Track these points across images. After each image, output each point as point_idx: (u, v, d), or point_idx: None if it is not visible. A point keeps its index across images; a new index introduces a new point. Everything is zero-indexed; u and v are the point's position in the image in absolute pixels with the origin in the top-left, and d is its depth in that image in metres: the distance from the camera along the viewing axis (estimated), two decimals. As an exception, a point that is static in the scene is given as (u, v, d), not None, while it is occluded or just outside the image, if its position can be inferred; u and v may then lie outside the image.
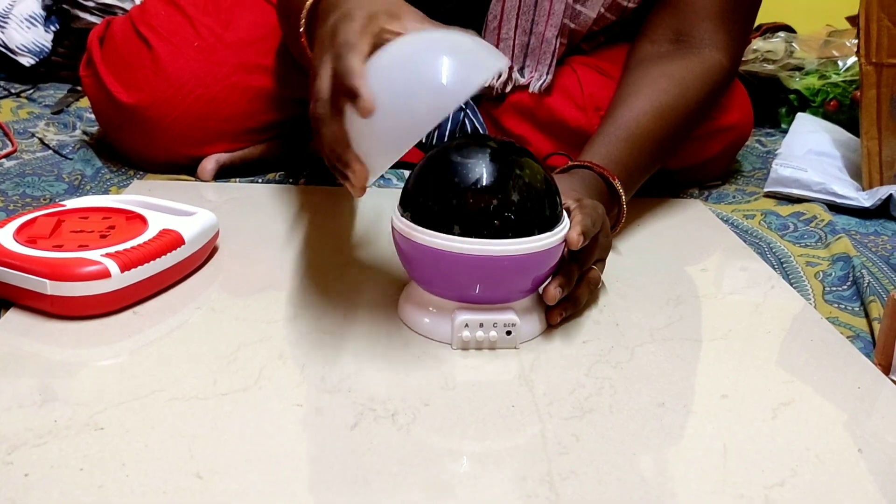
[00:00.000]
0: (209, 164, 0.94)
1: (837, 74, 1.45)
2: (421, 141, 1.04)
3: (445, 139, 0.94)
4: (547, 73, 0.95)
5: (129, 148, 0.96)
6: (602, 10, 0.92)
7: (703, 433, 0.50)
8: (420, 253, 0.56)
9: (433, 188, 0.56)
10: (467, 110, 1.03)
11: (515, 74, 0.96)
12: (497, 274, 0.55)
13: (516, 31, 0.93)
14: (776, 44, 1.59)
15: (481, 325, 0.57)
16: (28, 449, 0.44)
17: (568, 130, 0.97)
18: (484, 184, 0.54)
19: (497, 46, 0.93)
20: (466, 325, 0.57)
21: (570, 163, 0.75)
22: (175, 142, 0.92)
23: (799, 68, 1.52)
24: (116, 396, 0.49)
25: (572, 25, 0.93)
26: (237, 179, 0.96)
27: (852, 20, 1.53)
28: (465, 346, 0.58)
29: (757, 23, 1.83)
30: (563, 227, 0.58)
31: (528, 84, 0.96)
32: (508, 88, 0.97)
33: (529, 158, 0.58)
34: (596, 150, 0.76)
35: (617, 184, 0.73)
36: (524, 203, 0.55)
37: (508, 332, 0.58)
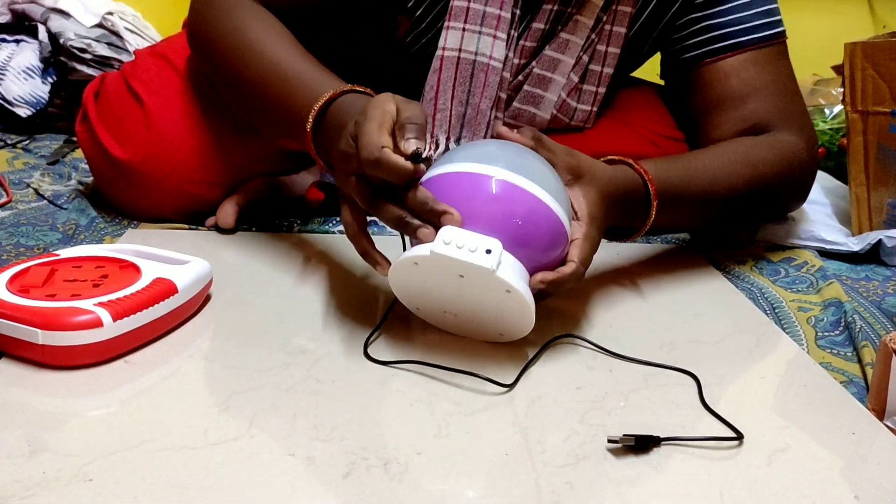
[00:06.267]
0: (229, 206, 0.92)
1: (824, 122, 1.48)
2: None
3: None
4: None
5: (122, 203, 0.96)
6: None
7: (698, 479, 0.49)
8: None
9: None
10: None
11: (452, 144, 0.97)
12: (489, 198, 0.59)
13: (453, 101, 0.95)
14: (763, 92, 1.61)
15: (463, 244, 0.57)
16: (16, 501, 0.43)
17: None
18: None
19: (434, 117, 0.96)
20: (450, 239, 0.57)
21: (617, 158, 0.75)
22: (168, 196, 0.92)
23: (786, 116, 1.54)
24: (106, 447, 0.49)
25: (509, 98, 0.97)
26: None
27: (837, 69, 1.56)
28: (444, 252, 0.56)
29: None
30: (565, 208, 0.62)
31: None
32: None
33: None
34: (650, 162, 0.77)
35: (653, 189, 0.74)
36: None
37: (488, 251, 0.56)
